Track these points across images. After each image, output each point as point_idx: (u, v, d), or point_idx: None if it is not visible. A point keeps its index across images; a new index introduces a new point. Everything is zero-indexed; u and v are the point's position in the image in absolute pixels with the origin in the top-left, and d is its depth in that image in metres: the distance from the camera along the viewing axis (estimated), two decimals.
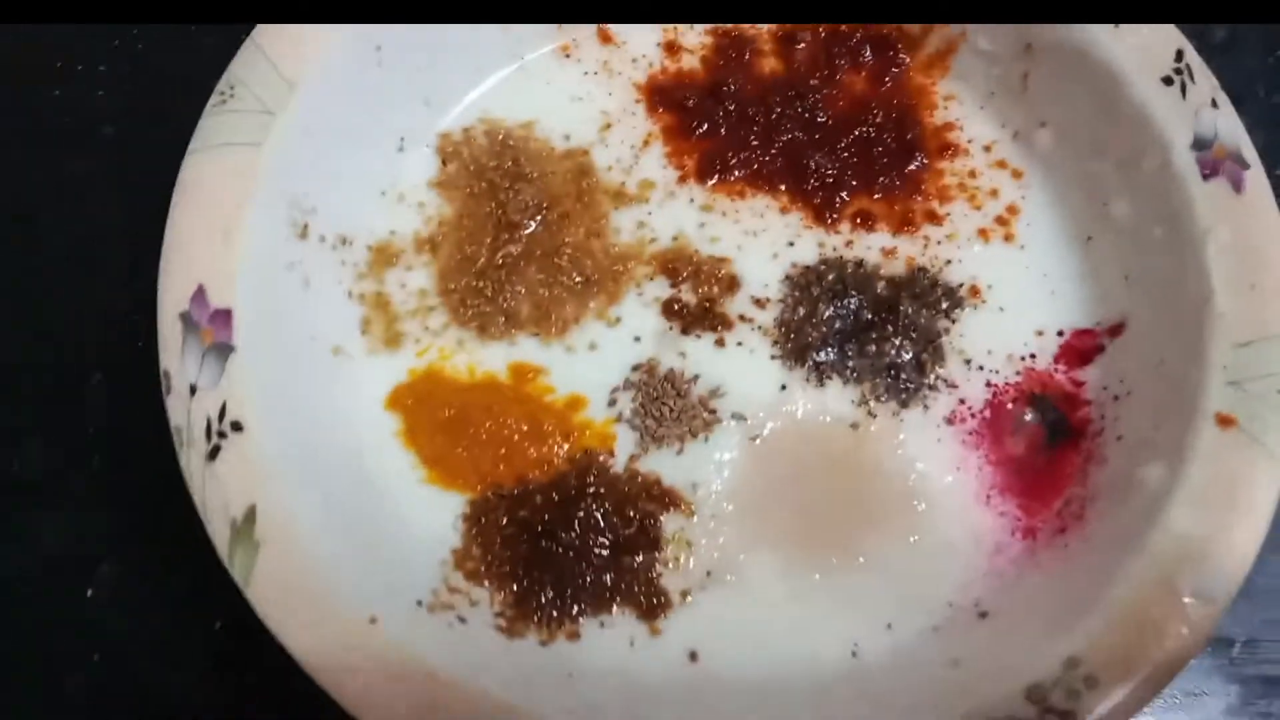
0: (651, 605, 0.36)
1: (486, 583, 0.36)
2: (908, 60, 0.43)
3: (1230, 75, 0.48)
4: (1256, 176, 0.36)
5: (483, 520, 0.37)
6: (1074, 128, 0.40)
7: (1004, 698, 0.30)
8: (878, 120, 0.43)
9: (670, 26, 0.44)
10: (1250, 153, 0.37)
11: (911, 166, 0.42)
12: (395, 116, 0.42)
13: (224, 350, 0.34)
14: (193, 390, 0.33)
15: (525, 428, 0.38)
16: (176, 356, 0.34)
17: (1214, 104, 0.37)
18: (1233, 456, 0.33)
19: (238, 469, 0.33)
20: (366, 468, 0.37)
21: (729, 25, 0.44)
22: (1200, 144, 0.37)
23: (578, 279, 0.41)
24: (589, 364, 0.40)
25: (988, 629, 0.34)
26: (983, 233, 0.41)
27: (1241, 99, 0.47)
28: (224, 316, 0.34)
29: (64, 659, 0.38)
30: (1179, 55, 0.38)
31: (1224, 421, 0.33)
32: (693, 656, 0.35)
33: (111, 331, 0.42)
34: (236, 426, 0.33)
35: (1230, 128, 0.37)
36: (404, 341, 0.40)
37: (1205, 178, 0.36)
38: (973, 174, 0.42)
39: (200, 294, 0.34)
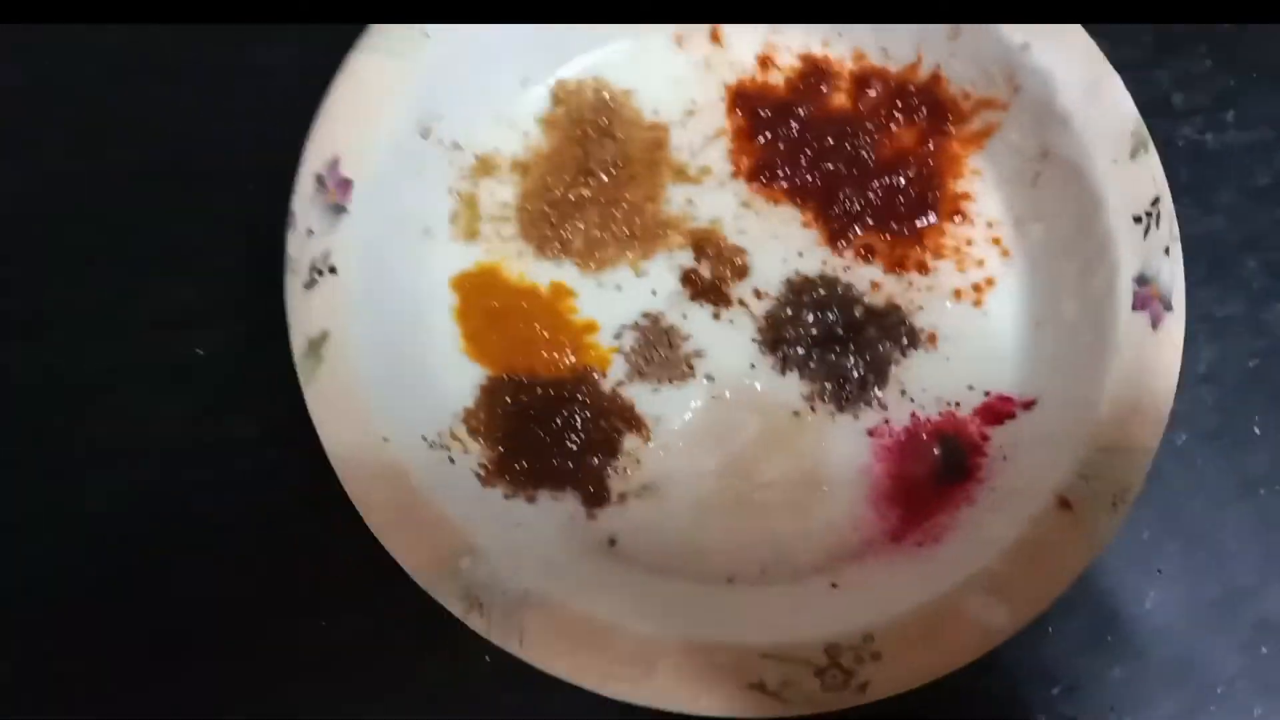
0: (595, 496, 0.46)
1: (481, 440, 0.47)
2: (953, 130, 0.51)
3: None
4: (1174, 320, 0.43)
5: (494, 393, 0.48)
6: (1059, 231, 0.47)
7: (807, 644, 0.40)
8: (910, 174, 0.50)
9: (770, 44, 0.52)
10: (1179, 300, 0.44)
11: (922, 221, 0.50)
12: (525, 58, 0.51)
13: (340, 210, 0.45)
14: (309, 233, 0.44)
15: (547, 334, 0.48)
16: (305, 204, 0.45)
17: (1166, 251, 0.44)
18: (1058, 530, 0.41)
19: (324, 300, 0.43)
20: (423, 327, 0.48)
21: (819, 56, 0.52)
22: (1141, 280, 0.44)
23: (625, 231, 0.50)
24: (611, 300, 0.49)
25: (831, 594, 0.44)
26: (958, 293, 0.49)
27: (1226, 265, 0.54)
28: (347, 184, 0.45)
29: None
30: (1155, 200, 0.45)
31: (1063, 503, 0.42)
32: (611, 542, 0.46)
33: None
34: (332, 269, 0.44)
35: (1170, 274, 0.44)
36: (479, 239, 0.50)
37: (1134, 308, 0.44)
38: (969, 242, 0.50)
39: (335, 162, 0.45)
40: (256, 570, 0.47)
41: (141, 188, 0.52)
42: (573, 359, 0.48)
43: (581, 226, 0.50)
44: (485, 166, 0.51)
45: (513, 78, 0.51)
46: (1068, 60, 0.47)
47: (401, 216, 0.48)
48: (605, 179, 0.51)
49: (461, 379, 0.48)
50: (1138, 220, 0.45)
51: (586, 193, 0.50)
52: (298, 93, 0.46)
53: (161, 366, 0.49)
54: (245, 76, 0.53)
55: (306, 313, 0.43)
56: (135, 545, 0.47)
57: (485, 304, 0.49)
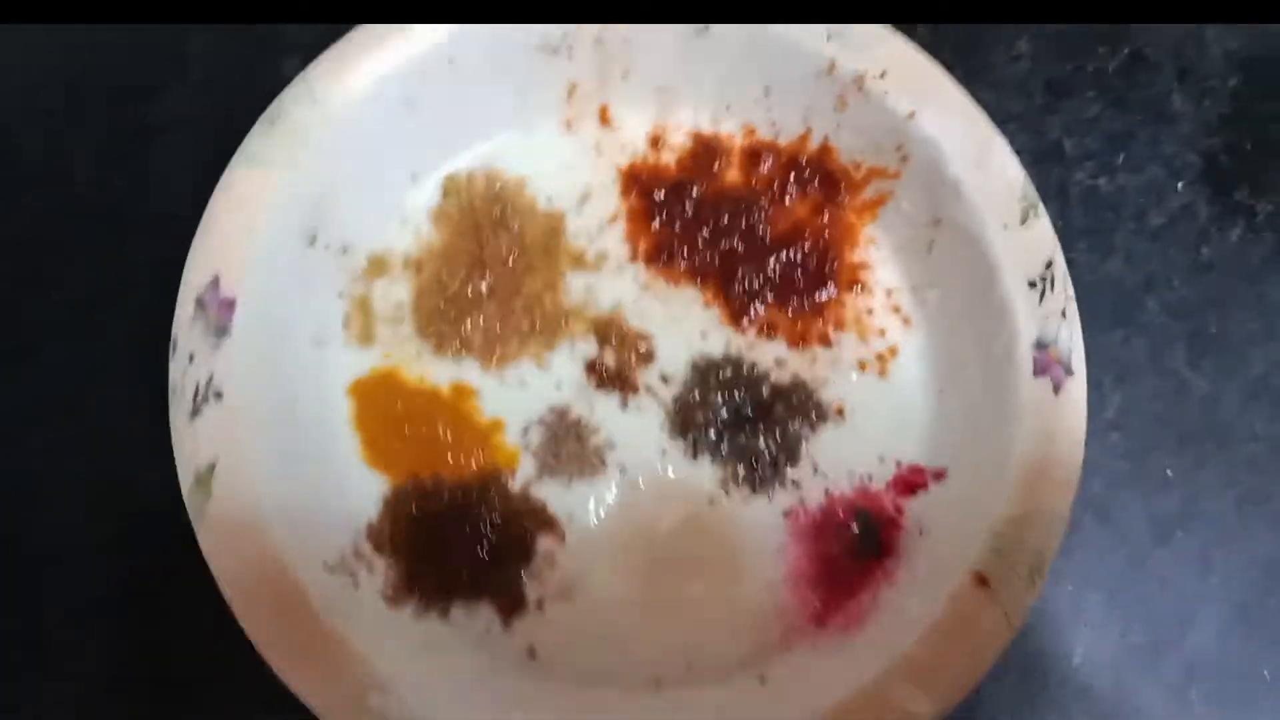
0: (510, 604, 0.45)
1: (387, 556, 0.45)
2: (847, 199, 0.51)
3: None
4: (1076, 384, 0.43)
5: (399, 504, 0.46)
6: (956, 297, 0.47)
7: None
8: (806, 247, 0.50)
9: (660, 124, 0.52)
10: (1079, 363, 0.44)
11: (822, 295, 0.50)
12: (412, 153, 0.50)
13: (223, 331, 0.43)
14: (190, 358, 0.43)
15: (450, 437, 0.47)
16: (186, 328, 0.43)
17: (1063, 314, 0.44)
18: (975, 609, 0.41)
19: (210, 429, 0.42)
20: (320, 441, 0.46)
21: (709, 134, 0.52)
22: (1040, 344, 0.44)
23: (526, 323, 0.49)
24: (515, 396, 0.48)
25: (760, 692, 0.43)
26: (862, 364, 0.49)
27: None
28: (229, 304, 0.43)
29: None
30: (1048, 264, 0.45)
31: (979, 580, 0.41)
32: (531, 653, 0.44)
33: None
34: (218, 395, 0.42)
35: (1068, 337, 0.44)
36: (375, 342, 0.49)
37: (1035, 374, 0.44)
38: (870, 311, 0.50)
39: (215, 282, 0.44)
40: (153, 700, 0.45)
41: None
42: (480, 461, 0.47)
43: (480, 321, 0.49)
44: (377, 267, 0.50)
45: (402, 173, 0.50)
46: (954, 128, 0.47)
47: (290, 328, 0.46)
48: (502, 271, 0.50)
49: (364, 493, 0.46)
50: (1032, 285, 0.45)
51: (483, 286, 0.49)
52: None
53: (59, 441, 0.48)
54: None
55: (192, 445, 0.42)
56: None
57: (385, 409, 0.48)
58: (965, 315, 0.47)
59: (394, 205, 0.50)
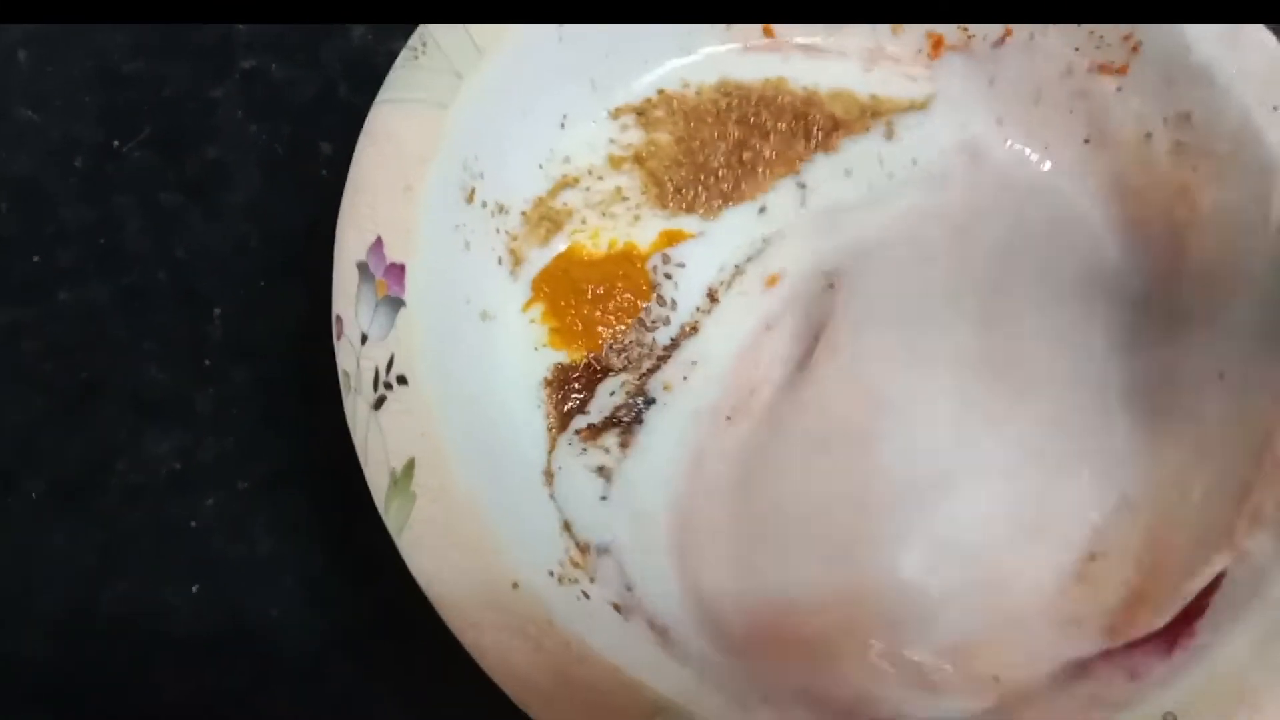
0: None
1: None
2: None
3: None
4: None
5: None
6: None
7: None
8: None
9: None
10: None
11: None
12: (561, 94, 0.43)
13: (395, 304, 0.35)
14: (363, 339, 0.35)
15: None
16: (350, 304, 0.35)
17: None
18: None
19: (400, 421, 0.34)
20: (504, 433, 0.38)
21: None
22: None
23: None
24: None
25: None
26: None
27: None
28: (398, 271, 0.36)
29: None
30: None
31: None
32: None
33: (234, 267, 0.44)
34: (402, 380, 0.34)
35: None
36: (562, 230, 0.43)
37: None
38: None
39: (378, 245, 0.36)
40: None
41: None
42: None
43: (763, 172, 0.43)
44: (548, 217, 0.43)
45: (548, 121, 0.43)
46: None
47: (458, 300, 0.39)
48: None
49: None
50: None
51: (767, 149, 0.43)
52: None
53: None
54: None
55: (380, 440, 0.34)
56: None
57: (579, 291, 0.42)
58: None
59: (545, 155, 0.43)
